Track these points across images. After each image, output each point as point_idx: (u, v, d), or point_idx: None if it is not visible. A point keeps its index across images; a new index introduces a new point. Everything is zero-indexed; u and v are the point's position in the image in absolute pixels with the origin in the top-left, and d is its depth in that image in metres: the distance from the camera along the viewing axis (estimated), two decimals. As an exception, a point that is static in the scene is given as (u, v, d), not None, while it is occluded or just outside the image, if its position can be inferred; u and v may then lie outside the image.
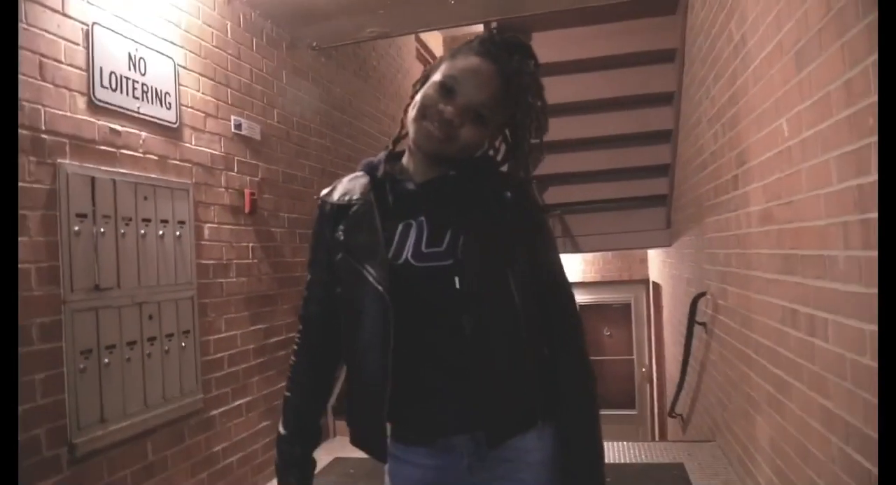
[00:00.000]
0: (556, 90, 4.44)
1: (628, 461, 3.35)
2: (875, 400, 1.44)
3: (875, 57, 1.37)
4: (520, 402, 1.11)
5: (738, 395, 2.93)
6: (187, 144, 2.82)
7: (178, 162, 2.75)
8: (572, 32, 4.24)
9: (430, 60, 7.54)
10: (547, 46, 4.29)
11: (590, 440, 1.13)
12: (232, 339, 3.08)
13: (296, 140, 3.80)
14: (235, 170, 3.17)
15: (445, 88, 1.07)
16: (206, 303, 2.89)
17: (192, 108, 2.86)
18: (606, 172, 4.78)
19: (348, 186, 1.19)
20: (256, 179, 3.35)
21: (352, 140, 4.67)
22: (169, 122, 2.69)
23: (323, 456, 3.65)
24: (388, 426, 1.15)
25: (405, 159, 1.18)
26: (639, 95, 4.35)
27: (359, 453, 1.19)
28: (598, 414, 1.16)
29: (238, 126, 3.19)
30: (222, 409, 2.97)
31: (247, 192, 3.22)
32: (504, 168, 1.19)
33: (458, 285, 1.05)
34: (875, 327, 1.42)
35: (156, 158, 2.62)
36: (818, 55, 1.73)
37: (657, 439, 7.21)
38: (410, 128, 1.11)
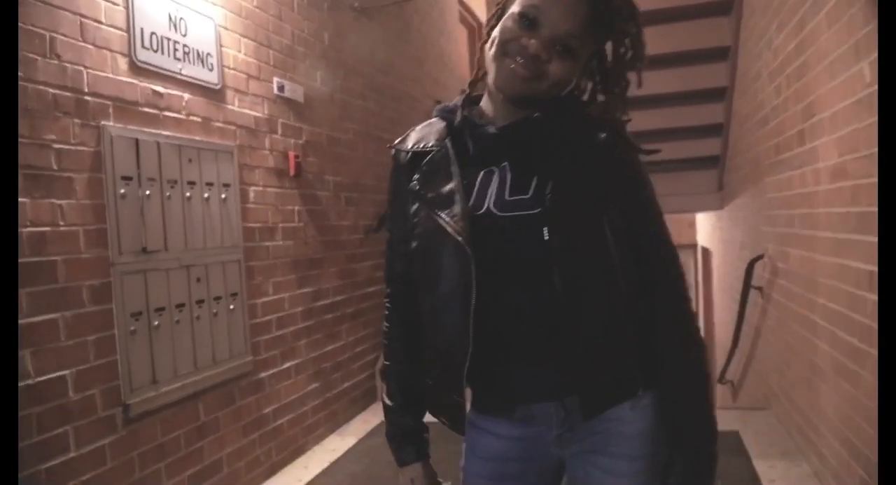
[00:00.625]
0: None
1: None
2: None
3: None
4: (618, 366, 0.99)
5: (798, 362, 2.75)
6: (230, 107, 2.74)
7: (221, 124, 2.67)
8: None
9: (473, 24, 7.29)
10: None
11: (700, 413, 1.00)
12: (279, 302, 3.03)
13: (339, 103, 3.69)
14: (279, 132, 3.09)
15: (527, 19, 0.93)
16: (253, 266, 2.84)
17: (234, 69, 2.77)
18: (655, 133, 4.54)
19: (423, 132, 1.09)
20: (300, 141, 3.26)
21: (396, 103, 4.53)
22: (211, 83, 2.61)
23: (370, 418, 3.65)
24: (469, 393, 1.05)
25: (484, 103, 1.06)
26: (691, 51, 4.09)
27: (432, 418, 1.11)
28: (709, 383, 1.03)
29: (281, 88, 3.09)
30: (271, 371, 2.95)
31: (291, 154, 3.14)
32: (593, 107, 1.05)
33: (546, 236, 0.94)
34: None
35: (199, 120, 2.55)
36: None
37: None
38: (490, 68, 0.98)
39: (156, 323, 2.27)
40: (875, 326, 1.86)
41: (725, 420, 3.25)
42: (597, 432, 1.01)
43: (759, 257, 3.39)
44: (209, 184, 2.56)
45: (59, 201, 1.93)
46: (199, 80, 2.54)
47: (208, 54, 2.60)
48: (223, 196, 2.64)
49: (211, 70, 2.61)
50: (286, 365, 3.06)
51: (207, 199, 2.55)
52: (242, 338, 2.74)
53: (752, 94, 3.49)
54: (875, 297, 1.85)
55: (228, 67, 2.73)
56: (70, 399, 1.95)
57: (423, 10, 5.33)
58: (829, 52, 2.18)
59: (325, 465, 3.02)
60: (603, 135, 0.99)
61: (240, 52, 2.82)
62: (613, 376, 0.99)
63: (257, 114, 2.92)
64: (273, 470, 2.93)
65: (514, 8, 0.96)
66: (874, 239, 1.84)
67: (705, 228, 6.42)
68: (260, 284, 2.89)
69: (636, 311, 0.99)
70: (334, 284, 3.49)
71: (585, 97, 1.07)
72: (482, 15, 7.54)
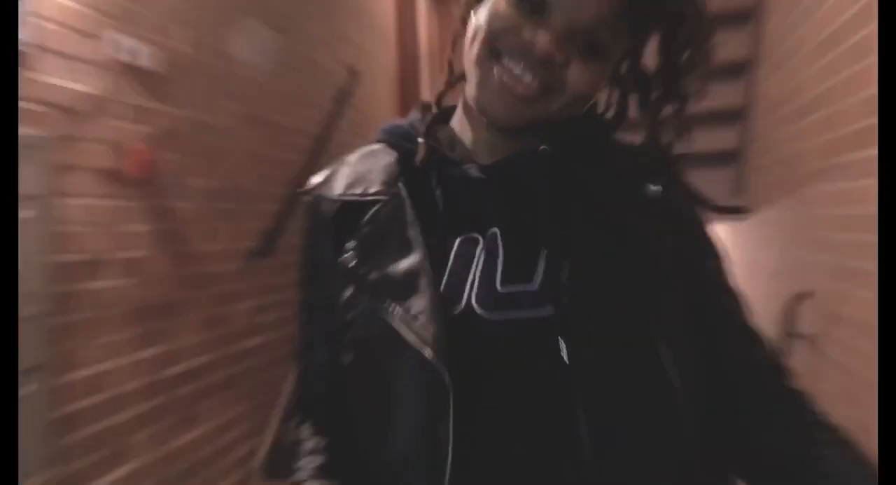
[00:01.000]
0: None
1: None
2: None
3: None
4: None
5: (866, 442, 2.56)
6: (45, 78, 2.34)
7: (29, 105, 2.28)
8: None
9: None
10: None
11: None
12: (109, 375, 2.64)
13: (213, 72, 3.33)
14: (121, 116, 2.70)
15: (532, 3, 0.79)
16: (68, 322, 2.45)
17: (55, 22, 2.37)
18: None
19: (360, 168, 0.93)
20: (151, 131, 2.88)
21: (296, 74, 4.24)
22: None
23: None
24: None
25: (458, 123, 0.93)
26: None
27: None
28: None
29: (124, 50, 2.70)
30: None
31: (135, 149, 2.75)
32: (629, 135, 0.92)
33: (565, 355, 0.75)
34: None
35: (-19, 97, 2.12)
36: None
37: None
38: (471, 76, 0.84)
39: None
40: None
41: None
42: None
43: (805, 296, 3.24)
44: (-6, 197, 2.14)
45: None
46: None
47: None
48: (23, 216, 2.23)
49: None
50: (112, 476, 2.66)
51: (-9, 221, 2.12)
52: (40, 441, 2.34)
53: (785, 74, 3.47)
54: None
55: (47, 19, 2.34)
56: None
57: (335, -55, 5.05)
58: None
59: None
60: (654, 186, 0.86)
61: (63, -5, 2.42)
62: None
63: (87, 89, 2.53)
64: None
65: None
66: None
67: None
68: (77, 349, 2.49)
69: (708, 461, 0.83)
70: (196, 339, 3.15)
71: (610, 115, 0.94)
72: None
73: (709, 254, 0.91)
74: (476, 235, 0.84)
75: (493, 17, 0.81)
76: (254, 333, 3.59)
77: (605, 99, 0.94)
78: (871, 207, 2.46)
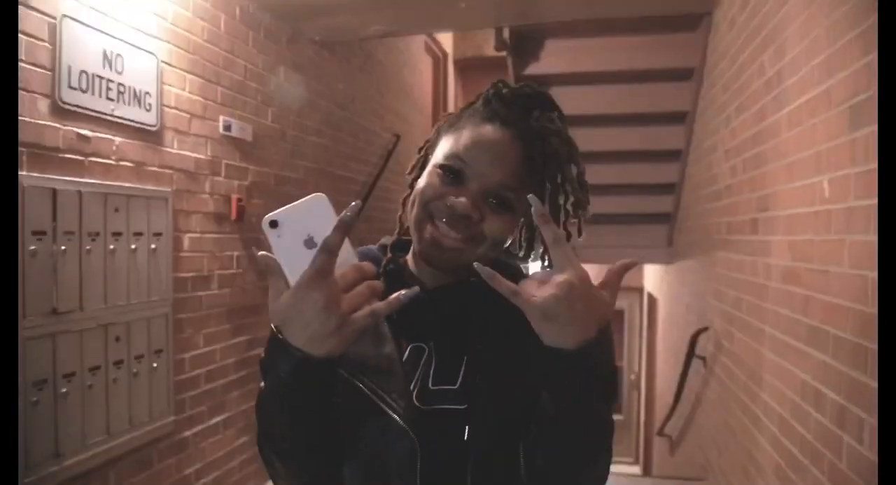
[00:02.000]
0: (568, 101, 4.09)
1: (615, 500, 3.11)
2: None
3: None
4: None
5: (737, 447, 2.68)
6: (168, 149, 2.51)
7: (156, 169, 2.45)
8: (588, 43, 3.90)
9: (439, 53, 7.17)
10: (561, 55, 3.98)
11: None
12: (210, 354, 2.81)
13: (291, 140, 3.49)
14: (222, 174, 2.87)
15: (451, 173, 0.78)
16: (183, 318, 2.61)
17: (175, 108, 2.55)
18: (612, 186, 4.47)
19: (342, 259, 0.87)
20: (245, 183, 3.05)
21: (353, 138, 4.36)
22: (148, 125, 2.38)
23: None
24: None
25: (410, 256, 0.87)
26: (651, 113, 4.03)
27: None
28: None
29: (227, 127, 2.88)
30: (196, 429, 2.71)
31: (234, 197, 2.93)
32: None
33: (465, 436, 0.76)
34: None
35: (131, 164, 2.32)
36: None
37: (642, 451, 7.03)
38: (413, 233, 0.82)
39: (63, 390, 2.02)
40: (818, 445, 1.78)
41: (661, 493, 3.17)
42: None
43: (705, 329, 3.33)
44: (138, 234, 2.33)
45: (-48, 264, 1.69)
46: (134, 121, 2.32)
47: (146, 93, 2.38)
48: (153, 246, 2.41)
49: (148, 110, 2.39)
50: (214, 420, 2.83)
51: (134, 250, 2.31)
52: (165, 397, 2.50)
53: (706, 165, 3.44)
54: (819, 417, 1.77)
55: (169, 107, 2.51)
56: (-51, 486, 1.70)
57: (387, 42, 5.17)
58: (788, 152, 2.10)
59: (247, 529, 2.79)
60: None
61: (184, 89, 2.60)
62: None
63: (199, 155, 2.70)
64: (190, 534, 2.70)
65: (436, 160, 0.81)
66: (824, 357, 1.76)
67: (653, 276, 6.41)
68: (190, 337, 2.66)
69: None
70: (272, 330, 3.28)
71: (521, 252, 0.90)
72: (448, 44, 7.44)
73: None
74: (423, 344, 0.83)
75: (425, 188, 0.79)
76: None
77: (517, 237, 0.90)
78: (752, 277, 2.54)
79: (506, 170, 0.78)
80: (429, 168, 0.82)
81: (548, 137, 0.80)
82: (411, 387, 0.80)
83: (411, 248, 0.87)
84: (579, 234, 0.84)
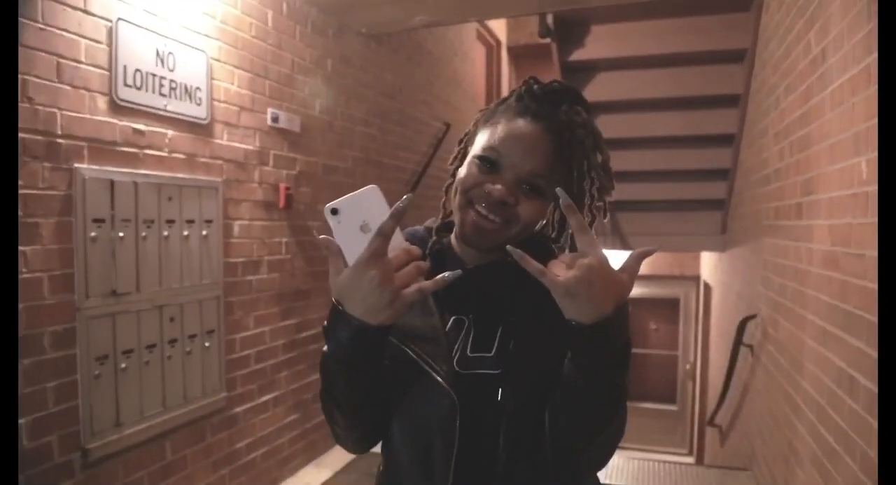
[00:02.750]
0: (615, 86, 4.07)
1: (656, 488, 3.10)
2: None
3: None
4: None
5: (779, 436, 2.62)
6: (218, 141, 2.65)
7: (207, 160, 2.59)
8: (634, 26, 3.83)
9: (492, 42, 7.16)
10: (607, 40, 3.92)
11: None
12: (260, 336, 2.96)
13: (339, 130, 3.60)
14: (271, 164, 3.00)
15: (488, 163, 0.87)
16: (233, 301, 2.76)
17: (225, 102, 2.69)
18: (663, 173, 4.39)
19: (394, 243, 0.95)
20: (293, 172, 3.18)
21: (401, 127, 4.44)
22: (199, 118, 2.53)
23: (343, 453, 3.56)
24: None
25: (453, 237, 0.97)
26: (702, 96, 3.92)
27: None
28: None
29: (275, 119, 3.00)
30: (247, 405, 2.87)
31: (282, 186, 3.06)
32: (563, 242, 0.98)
33: (499, 397, 0.86)
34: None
35: (183, 156, 2.47)
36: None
37: (695, 441, 6.88)
38: (456, 217, 0.91)
39: (123, 366, 2.20)
40: (850, 431, 1.73)
41: (704, 481, 3.13)
42: None
43: (752, 317, 3.25)
44: (190, 221, 2.48)
45: (22, 248, 1.86)
46: (186, 115, 2.46)
47: (197, 89, 2.52)
48: (204, 233, 2.56)
49: (199, 104, 2.53)
50: (264, 398, 2.98)
51: (187, 236, 2.47)
52: (217, 374, 2.66)
53: (757, 149, 3.34)
54: (852, 403, 1.72)
55: (219, 101, 2.65)
56: (23, 448, 1.89)
57: (437, 32, 5.21)
58: (830, 133, 2.03)
59: (295, 501, 2.94)
60: None
61: (233, 84, 2.74)
62: None
63: (248, 147, 2.84)
64: (242, 504, 2.87)
65: (475, 151, 0.90)
66: (859, 343, 1.70)
67: (708, 264, 6.24)
68: (240, 319, 2.81)
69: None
70: (321, 313, 3.40)
71: (553, 233, 1.00)
72: (502, 32, 7.40)
73: None
74: (463, 317, 0.91)
75: (465, 177, 0.88)
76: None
77: (550, 219, 1.00)
78: (795, 263, 2.47)
79: (537, 160, 0.86)
80: (468, 159, 0.90)
81: (575, 128, 0.88)
82: (452, 353, 0.89)
83: (454, 230, 0.95)
84: (605, 215, 0.93)
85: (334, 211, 0.75)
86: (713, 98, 3.92)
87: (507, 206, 0.85)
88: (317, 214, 3.36)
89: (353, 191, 0.76)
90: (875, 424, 1.55)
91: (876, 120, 1.63)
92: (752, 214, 3.44)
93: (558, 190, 0.77)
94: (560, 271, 0.75)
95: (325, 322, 0.81)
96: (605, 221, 0.94)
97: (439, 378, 0.87)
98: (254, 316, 2.90)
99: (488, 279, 0.92)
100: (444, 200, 1.00)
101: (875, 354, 1.58)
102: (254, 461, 2.93)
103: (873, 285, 1.61)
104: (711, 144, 4.15)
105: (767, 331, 2.96)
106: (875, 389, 1.57)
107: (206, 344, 2.58)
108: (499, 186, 0.85)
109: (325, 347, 0.82)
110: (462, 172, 0.90)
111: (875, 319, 1.59)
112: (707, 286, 6.34)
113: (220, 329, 2.66)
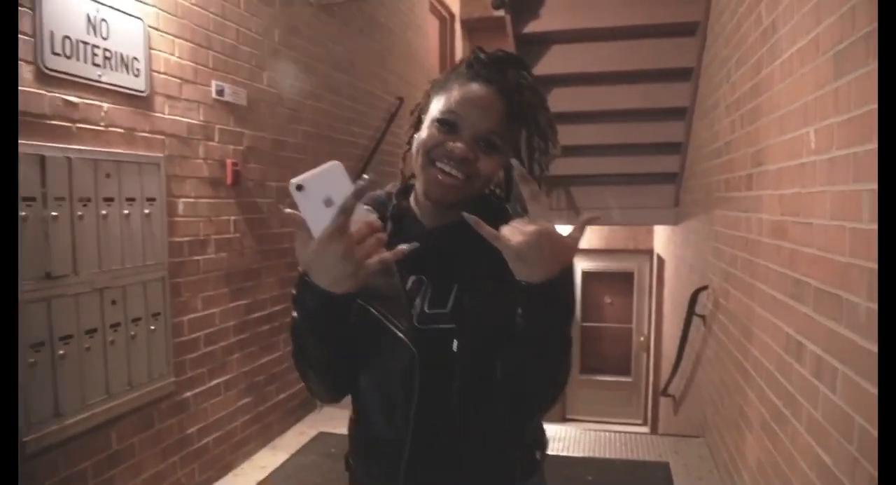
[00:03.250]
0: (569, 59, 4.05)
1: (613, 457, 3.16)
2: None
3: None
4: (502, 466, 1.03)
5: (731, 402, 2.70)
6: (159, 115, 2.53)
7: (147, 134, 2.47)
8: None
9: (445, 15, 7.05)
10: (562, 12, 3.89)
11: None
12: (209, 317, 2.87)
13: (289, 104, 3.49)
14: (216, 139, 2.89)
15: (447, 125, 0.95)
16: (180, 282, 2.67)
17: (165, 74, 2.56)
18: (617, 147, 4.43)
19: (356, 217, 0.98)
20: (241, 148, 3.07)
21: (353, 101, 4.34)
22: (137, 90, 2.40)
23: (306, 429, 3.53)
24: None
25: (412, 200, 1.06)
26: (656, 70, 3.94)
27: (343, 430, 1.15)
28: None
29: (220, 92, 2.88)
30: (197, 390, 2.79)
31: (228, 162, 2.95)
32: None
33: (454, 348, 0.95)
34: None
35: (121, 131, 2.34)
36: (863, 63, 1.40)
37: (649, 412, 7.08)
38: (419, 177, 0.99)
39: (61, 352, 2.09)
40: (797, 395, 1.78)
41: (659, 449, 3.21)
42: None
43: (704, 288, 3.32)
44: (130, 199, 2.37)
45: (-57, 229, 1.73)
46: (122, 87, 2.33)
47: (134, 59, 2.38)
48: (146, 212, 2.44)
49: (137, 76, 2.40)
50: (214, 382, 2.91)
51: (127, 215, 2.35)
52: (164, 359, 2.57)
53: (709, 122, 3.38)
54: (799, 368, 1.77)
55: (158, 72, 2.52)
56: (-47, 441, 1.78)
57: (390, 4, 5.11)
58: (780, 104, 2.06)
59: (252, 485, 2.89)
60: None
61: (173, 54, 2.60)
62: (498, 477, 1.03)
63: (191, 121, 2.71)
64: (196, 491, 2.80)
65: (433, 115, 0.97)
66: (806, 309, 1.75)
67: (661, 237, 6.37)
68: (187, 300, 2.72)
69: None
70: (272, 293, 3.33)
71: (502, 193, 1.08)
72: (455, 5, 7.30)
73: None
74: (422, 276, 0.99)
75: (426, 139, 0.95)
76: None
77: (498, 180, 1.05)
78: (745, 234, 2.52)
79: (492, 119, 0.95)
80: (426, 124, 0.98)
81: (523, 90, 0.97)
82: (412, 311, 0.98)
83: (412, 193, 1.05)
84: (547, 168, 1.03)
85: (299, 187, 0.79)
86: (666, 71, 3.95)
87: (468, 162, 0.93)
88: (266, 190, 3.27)
89: (305, 167, 0.81)
90: (821, 387, 1.60)
91: (824, 90, 1.66)
92: (704, 186, 3.50)
93: (512, 160, 0.87)
94: (512, 236, 0.81)
95: (294, 291, 0.87)
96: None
97: (400, 334, 0.95)
98: (202, 297, 2.81)
99: (445, 240, 0.99)
100: (401, 167, 1.08)
101: (822, 321, 1.62)
102: (206, 447, 2.86)
103: (821, 253, 1.64)
104: (664, 118, 4.19)
105: (718, 301, 3.03)
106: (822, 354, 1.61)
107: (152, 327, 2.49)
108: (460, 144, 0.93)
109: (294, 314, 0.89)
110: (422, 134, 0.97)
111: (821, 285, 1.63)
112: (660, 259, 6.48)
113: (167, 312, 2.57)
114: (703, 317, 3.40)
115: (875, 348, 1.29)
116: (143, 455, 2.48)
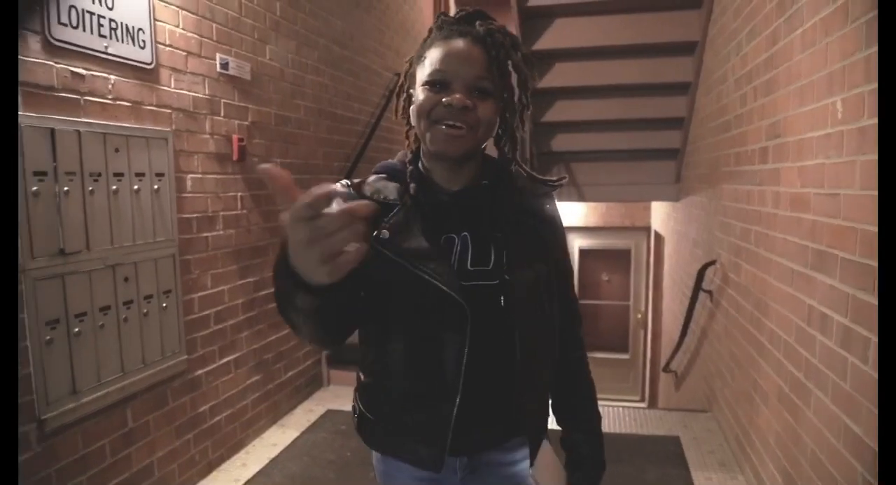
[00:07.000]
0: (572, 33, 4.02)
1: (623, 431, 3.20)
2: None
3: None
4: (543, 414, 1.15)
5: (742, 375, 2.73)
6: (165, 88, 2.48)
7: (154, 108, 2.42)
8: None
9: (440, -12, 6.94)
10: (565, -16, 3.85)
11: (596, 448, 1.17)
12: (218, 295, 2.85)
13: (290, 79, 3.44)
14: (222, 114, 2.84)
15: (438, 84, 0.98)
16: (190, 259, 2.64)
17: (170, 46, 2.50)
18: (617, 122, 4.42)
19: (378, 185, 1.07)
20: (246, 123, 3.02)
21: (353, 77, 4.28)
22: (143, 63, 2.34)
23: (314, 407, 3.54)
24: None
25: (425, 164, 1.08)
26: (659, 44, 3.93)
27: (350, 406, 1.17)
28: (599, 414, 1.21)
29: (225, 65, 2.83)
30: (208, 368, 2.78)
31: (234, 137, 2.91)
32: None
33: (503, 304, 1.01)
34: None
35: (128, 104, 2.29)
36: (899, 31, 1.39)
37: (647, 388, 7.17)
38: (426, 138, 1.00)
39: (76, 330, 2.07)
40: (821, 366, 1.81)
41: (668, 423, 3.26)
42: (495, 471, 1.12)
43: (712, 263, 3.34)
44: (139, 174, 2.33)
45: (-44, 204, 1.70)
46: (129, 59, 2.28)
47: (140, 30, 2.33)
48: (156, 187, 2.41)
49: (143, 47, 2.34)
50: (225, 360, 2.90)
51: (137, 191, 2.32)
52: (176, 337, 2.55)
53: (715, 96, 3.38)
54: (824, 339, 1.80)
55: (163, 44, 2.46)
56: (-28, 420, 1.76)
57: (386, -24, 5.01)
58: (800, 75, 2.06)
59: (264, 463, 2.90)
60: (542, 202, 1.10)
61: (178, 26, 2.55)
62: (540, 424, 1.14)
63: (197, 94, 2.66)
64: (210, 469, 2.80)
65: (420, 80, 1.00)
66: (832, 281, 1.77)
67: (660, 214, 6.39)
68: (197, 277, 2.69)
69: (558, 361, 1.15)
70: (280, 272, 3.30)
71: (508, 149, 1.10)
72: (450, -21, 7.19)
73: (563, 246, 1.15)
74: (453, 235, 1.03)
75: (422, 102, 0.98)
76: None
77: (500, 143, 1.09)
78: (759, 207, 2.54)
79: (477, 66, 0.98)
80: (417, 90, 1.00)
81: (494, 34, 1.00)
82: (452, 268, 1.01)
83: (422, 158, 1.07)
84: (529, 107, 1.07)
85: None
86: (669, 45, 3.93)
87: (468, 110, 0.96)
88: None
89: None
90: (850, 357, 1.62)
91: (852, 58, 1.65)
92: (710, 161, 3.50)
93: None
94: None
95: (276, 261, 0.78)
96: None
97: (451, 291, 0.97)
98: (211, 274, 2.79)
99: (469, 202, 1.04)
100: (407, 143, 1.12)
101: (850, 291, 1.64)
102: (218, 425, 2.86)
103: (848, 224, 1.65)
104: (666, 93, 4.18)
105: (728, 276, 3.05)
106: (850, 324, 1.63)
107: (164, 305, 2.47)
108: (457, 95, 0.95)
109: (274, 284, 0.83)
110: (418, 99, 0.99)
111: (849, 256, 1.65)
112: (658, 236, 6.52)
113: (178, 289, 2.55)
114: (709, 292, 3.42)
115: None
116: (157, 434, 2.47)
